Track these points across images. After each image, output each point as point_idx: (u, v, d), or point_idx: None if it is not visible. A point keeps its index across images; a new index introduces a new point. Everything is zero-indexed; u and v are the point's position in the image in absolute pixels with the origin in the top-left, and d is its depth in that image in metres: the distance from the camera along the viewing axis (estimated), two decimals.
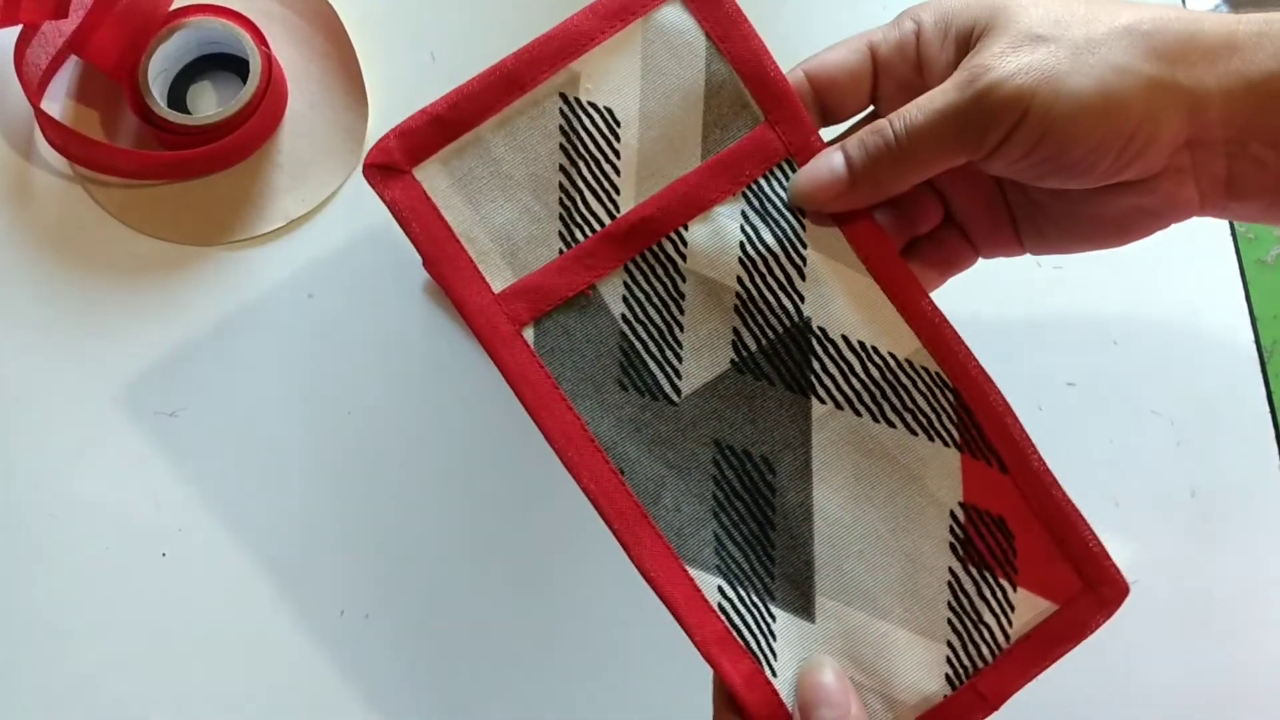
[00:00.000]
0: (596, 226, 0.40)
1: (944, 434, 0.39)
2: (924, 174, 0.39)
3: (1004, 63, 0.36)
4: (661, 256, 0.40)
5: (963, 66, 0.37)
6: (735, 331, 0.39)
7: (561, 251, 0.39)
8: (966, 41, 0.38)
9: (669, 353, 0.39)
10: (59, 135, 0.50)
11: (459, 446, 0.50)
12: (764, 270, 0.39)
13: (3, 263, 0.50)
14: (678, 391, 0.39)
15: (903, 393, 0.39)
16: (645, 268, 0.40)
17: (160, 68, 0.51)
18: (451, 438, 0.50)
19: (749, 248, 0.39)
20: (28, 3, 0.48)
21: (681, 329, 0.39)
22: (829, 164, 0.39)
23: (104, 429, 0.49)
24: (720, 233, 0.39)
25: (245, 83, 0.50)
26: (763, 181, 0.40)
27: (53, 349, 0.50)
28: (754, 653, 0.37)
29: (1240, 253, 0.54)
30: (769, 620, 0.38)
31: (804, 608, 0.38)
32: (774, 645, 0.38)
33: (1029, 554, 0.39)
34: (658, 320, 0.39)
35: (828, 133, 0.41)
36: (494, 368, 0.39)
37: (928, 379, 0.39)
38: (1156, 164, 0.37)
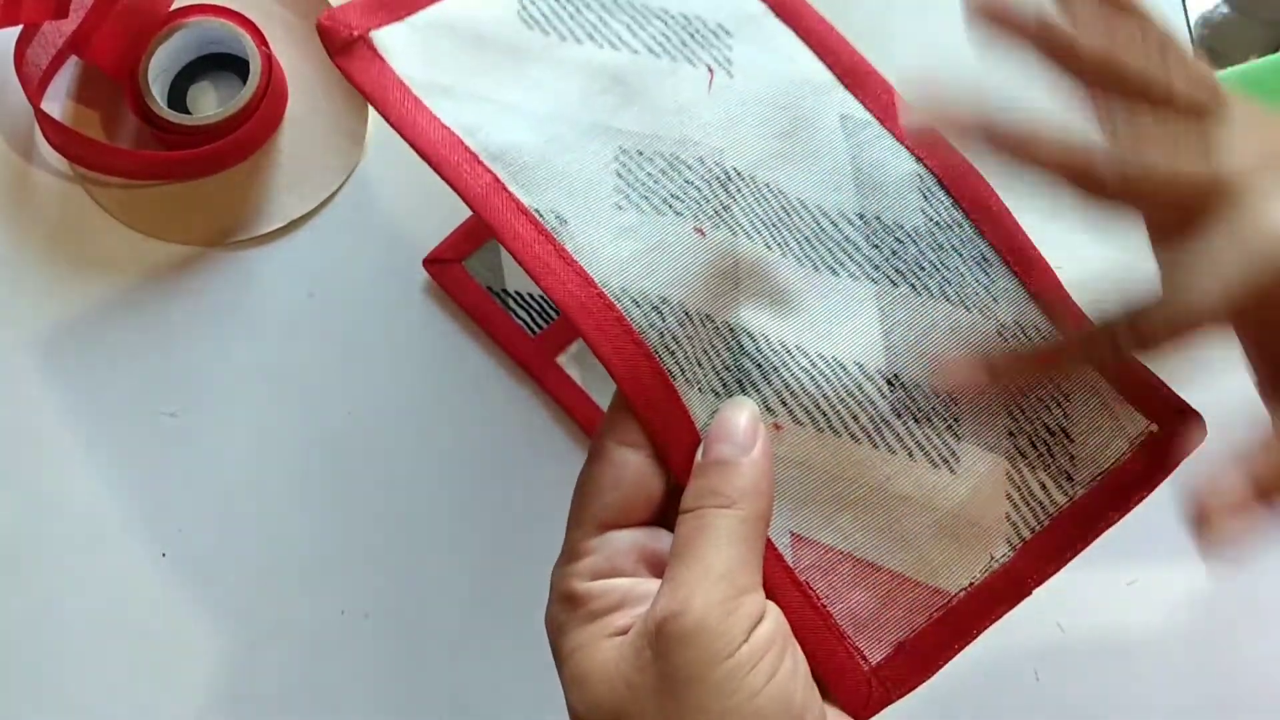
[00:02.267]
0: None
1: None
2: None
3: None
4: None
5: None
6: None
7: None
8: None
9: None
10: (59, 135, 0.50)
11: (459, 446, 0.50)
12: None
13: (3, 263, 0.50)
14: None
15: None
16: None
17: (160, 68, 0.51)
18: (452, 437, 0.50)
19: None
20: (28, 3, 0.48)
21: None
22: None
23: (104, 429, 0.49)
24: None
25: (245, 83, 0.50)
26: None
27: (52, 349, 0.50)
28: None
29: None
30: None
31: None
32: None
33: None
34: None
35: None
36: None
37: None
38: None
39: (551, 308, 0.50)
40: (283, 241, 0.51)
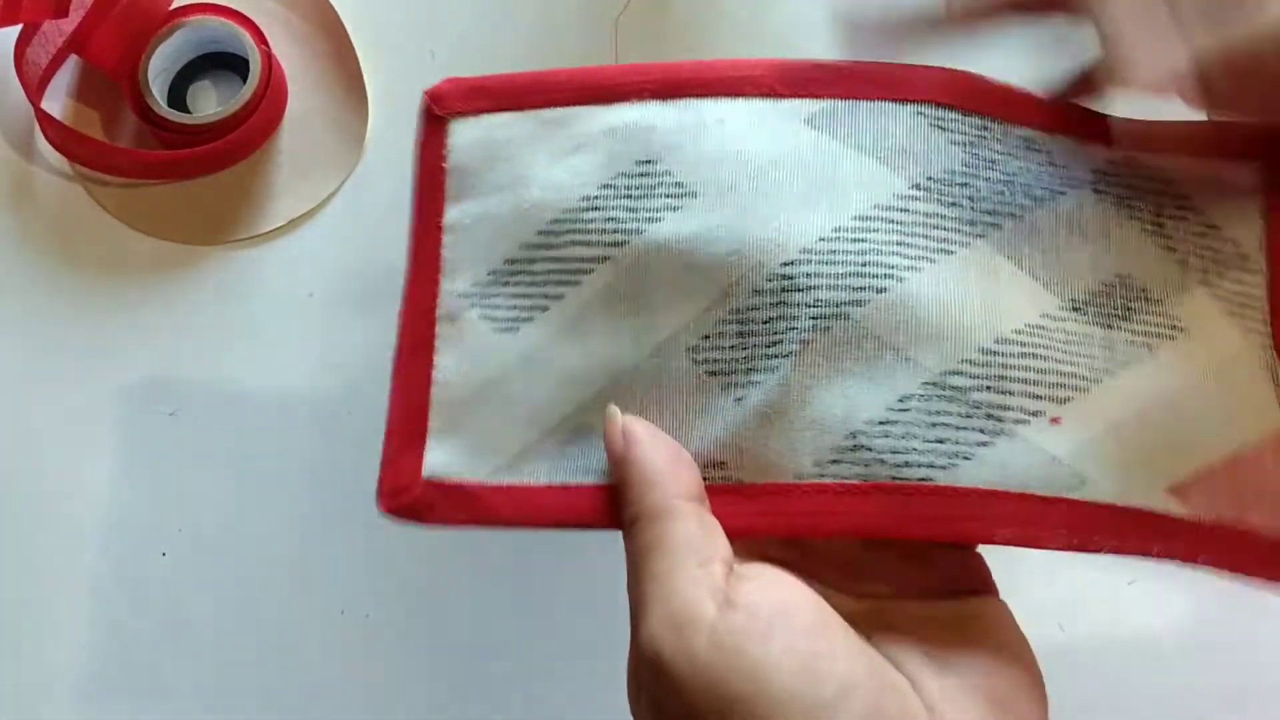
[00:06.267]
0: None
1: None
2: None
3: None
4: None
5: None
6: None
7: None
8: None
9: None
10: (59, 135, 0.50)
11: None
12: None
13: (3, 262, 0.50)
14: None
15: None
16: None
17: (160, 67, 0.51)
18: None
19: None
20: (28, 2, 0.48)
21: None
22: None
23: (104, 429, 0.49)
24: None
25: (245, 82, 0.50)
26: None
27: (52, 348, 0.50)
28: None
29: None
30: None
31: None
32: None
33: None
34: None
35: None
36: None
37: None
38: None
39: None
40: (283, 241, 0.51)
